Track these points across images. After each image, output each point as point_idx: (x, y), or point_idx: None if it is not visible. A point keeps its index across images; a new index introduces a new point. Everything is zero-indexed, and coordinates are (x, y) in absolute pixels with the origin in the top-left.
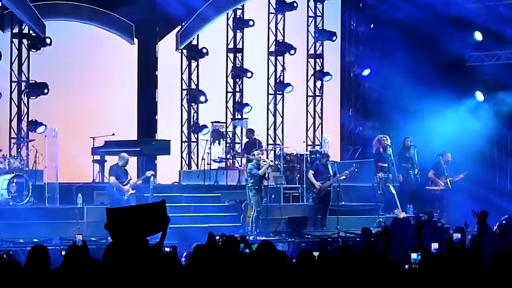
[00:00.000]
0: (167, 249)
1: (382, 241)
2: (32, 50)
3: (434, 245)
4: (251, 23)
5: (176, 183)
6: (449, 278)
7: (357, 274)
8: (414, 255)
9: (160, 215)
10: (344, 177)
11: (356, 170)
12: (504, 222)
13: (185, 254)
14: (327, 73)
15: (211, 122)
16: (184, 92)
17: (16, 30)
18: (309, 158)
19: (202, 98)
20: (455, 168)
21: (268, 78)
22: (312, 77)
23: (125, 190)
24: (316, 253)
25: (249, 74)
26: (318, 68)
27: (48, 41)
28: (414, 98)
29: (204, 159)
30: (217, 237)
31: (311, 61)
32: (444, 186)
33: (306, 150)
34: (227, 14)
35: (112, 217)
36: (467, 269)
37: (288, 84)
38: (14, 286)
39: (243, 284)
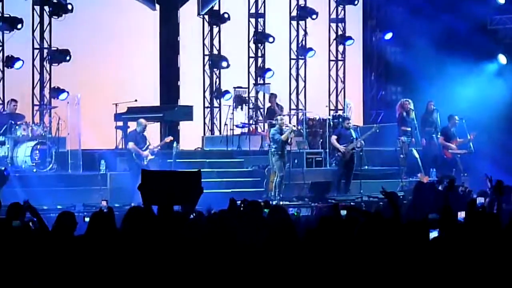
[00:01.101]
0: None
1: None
2: (54, 16)
3: (461, 214)
4: None
5: (199, 149)
6: (470, 243)
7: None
8: (433, 233)
9: (194, 184)
10: (365, 136)
11: (377, 131)
12: None
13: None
14: (349, 38)
15: (234, 87)
16: (206, 58)
17: None
18: (331, 123)
19: (224, 64)
20: (474, 130)
21: (290, 43)
22: (334, 41)
23: (144, 155)
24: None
25: (271, 39)
26: (340, 32)
27: (69, 7)
28: (436, 61)
29: (226, 125)
30: (239, 202)
31: (333, 25)
32: (458, 150)
33: (329, 115)
34: None
35: (146, 179)
36: (487, 233)
37: (310, 49)
38: (40, 253)
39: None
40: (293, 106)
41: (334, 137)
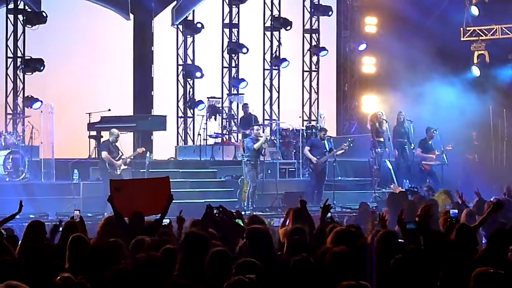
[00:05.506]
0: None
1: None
2: (28, 26)
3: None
4: None
5: (172, 159)
6: (448, 254)
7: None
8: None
9: (164, 192)
10: (341, 151)
11: (351, 144)
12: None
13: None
14: (323, 48)
15: (207, 97)
16: (180, 68)
17: (11, 5)
18: (305, 134)
19: (198, 74)
20: (449, 142)
21: (264, 53)
22: (308, 52)
23: (117, 165)
24: None
25: (244, 50)
26: (314, 43)
27: (44, 14)
28: (410, 72)
29: (200, 135)
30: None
31: (307, 36)
32: (435, 161)
33: (302, 126)
34: None
35: (115, 189)
36: (464, 245)
37: (284, 59)
38: (13, 261)
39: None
40: (266, 117)
41: (307, 148)
